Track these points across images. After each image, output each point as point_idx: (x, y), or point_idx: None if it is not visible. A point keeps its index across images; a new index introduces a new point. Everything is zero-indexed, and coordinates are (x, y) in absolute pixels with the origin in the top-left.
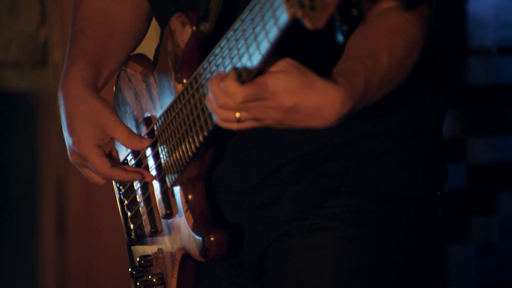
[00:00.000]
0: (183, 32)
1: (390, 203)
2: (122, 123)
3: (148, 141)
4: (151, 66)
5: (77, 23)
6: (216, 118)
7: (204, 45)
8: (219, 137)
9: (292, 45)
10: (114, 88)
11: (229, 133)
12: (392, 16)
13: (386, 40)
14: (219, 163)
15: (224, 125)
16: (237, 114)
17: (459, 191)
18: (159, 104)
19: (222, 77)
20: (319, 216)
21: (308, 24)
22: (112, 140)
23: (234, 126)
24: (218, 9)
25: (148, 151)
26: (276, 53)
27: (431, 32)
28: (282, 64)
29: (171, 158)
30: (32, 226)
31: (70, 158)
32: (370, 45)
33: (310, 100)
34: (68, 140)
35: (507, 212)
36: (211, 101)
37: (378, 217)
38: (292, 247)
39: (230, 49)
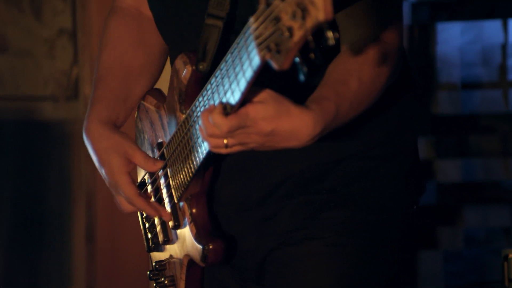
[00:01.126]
0: (185, 70)
1: (373, 215)
2: (139, 148)
3: (160, 163)
4: (164, 99)
5: (98, 72)
6: (207, 145)
7: (204, 81)
8: (218, 158)
9: (272, 76)
10: (135, 118)
11: (226, 155)
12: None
13: (356, 68)
14: (223, 181)
15: (214, 150)
16: (225, 141)
17: (430, 206)
18: (168, 132)
19: (211, 110)
20: (312, 227)
21: (275, 65)
22: (135, 165)
23: (223, 151)
24: (214, 51)
25: (160, 171)
26: (258, 82)
27: (400, 61)
28: (262, 95)
29: (177, 177)
30: (65, 236)
31: (110, 188)
32: (341, 73)
33: (285, 125)
34: (101, 173)
35: (470, 224)
36: (202, 131)
37: (363, 227)
38: (290, 253)
39: (217, 86)
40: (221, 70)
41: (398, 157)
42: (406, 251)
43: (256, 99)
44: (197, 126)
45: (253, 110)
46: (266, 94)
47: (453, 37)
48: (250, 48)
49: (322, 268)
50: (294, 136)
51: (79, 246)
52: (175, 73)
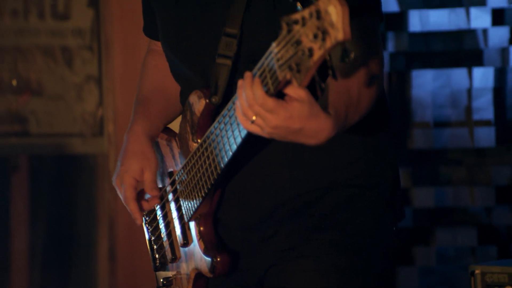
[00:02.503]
0: (199, 104)
1: (358, 237)
2: (154, 171)
3: (157, 192)
4: (174, 134)
5: (141, 94)
6: (238, 112)
7: (215, 114)
8: (225, 182)
9: None
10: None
11: (233, 179)
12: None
13: (354, 79)
14: (225, 205)
15: (241, 118)
16: (253, 117)
17: (406, 228)
18: (179, 161)
19: (253, 83)
20: (306, 247)
21: (295, 83)
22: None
23: (247, 124)
24: (225, 86)
25: (171, 196)
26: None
27: (382, 87)
28: (300, 94)
29: (188, 199)
30: (91, 254)
31: (114, 181)
32: (344, 82)
33: (312, 126)
34: (118, 168)
35: (442, 243)
36: (241, 97)
37: (351, 247)
38: (286, 270)
39: (230, 116)
40: (234, 102)
41: (379, 187)
42: (388, 268)
43: (294, 96)
44: (208, 154)
45: (291, 105)
46: (303, 94)
47: (425, 83)
48: (271, 71)
49: (315, 282)
50: (315, 135)
51: (102, 263)
52: (188, 107)
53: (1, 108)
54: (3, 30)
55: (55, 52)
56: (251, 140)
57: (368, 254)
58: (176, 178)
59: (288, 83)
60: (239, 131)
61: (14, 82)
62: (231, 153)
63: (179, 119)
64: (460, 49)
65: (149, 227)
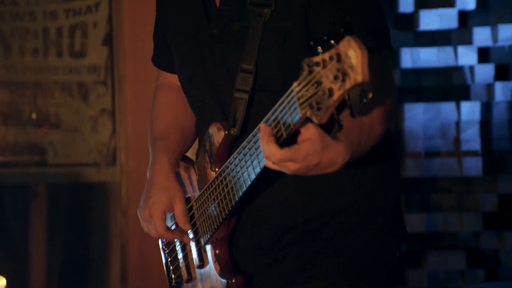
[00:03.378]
0: (218, 135)
1: (364, 260)
2: (184, 203)
3: (189, 226)
4: (192, 162)
5: (158, 129)
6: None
7: (232, 144)
8: (241, 208)
9: None
10: None
11: (247, 204)
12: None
13: (367, 109)
14: (240, 229)
15: (266, 161)
16: (274, 166)
17: (400, 251)
18: (197, 188)
19: (267, 138)
20: (315, 269)
21: (314, 120)
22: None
23: (271, 165)
24: (242, 118)
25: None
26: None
27: (394, 119)
28: (310, 131)
29: (205, 224)
30: (104, 276)
31: (141, 213)
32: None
33: (327, 156)
34: (146, 201)
35: (433, 266)
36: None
37: (356, 270)
38: None
39: (250, 148)
40: (254, 136)
41: (383, 211)
42: None
43: (305, 135)
44: (226, 182)
45: (304, 147)
46: (313, 131)
47: (417, 115)
48: (292, 108)
49: None
50: (332, 164)
51: (114, 285)
52: (208, 137)
53: (21, 139)
54: (25, 68)
55: (72, 88)
56: (267, 170)
57: (373, 278)
58: (194, 204)
59: (306, 120)
60: (258, 162)
61: (34, 115)
62: (249, 183)
63: (193, 148)
64: (449, 84)
65: (166, 249)
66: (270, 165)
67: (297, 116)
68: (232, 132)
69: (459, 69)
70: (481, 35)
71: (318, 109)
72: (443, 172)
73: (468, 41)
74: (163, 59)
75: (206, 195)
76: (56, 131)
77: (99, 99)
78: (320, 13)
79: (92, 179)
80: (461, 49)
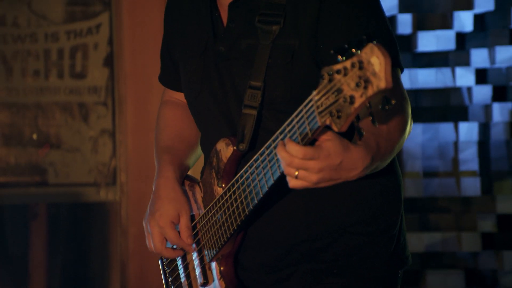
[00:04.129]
0: (227, 150)
1: (367, 281)
2: (189, 217)
3: (191, 241)
4: (196, 180)
5: (164, 142)
6: (285, 172)
7: (240, 160)
8: (248, 225)
9: None
10: None
11: (253, 225)
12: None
13: (384, 117)
14: (245, 246)
15: (289, 179)
16: (296, 172)
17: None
18: (202, 205)
19: (284, 144)
20: None
21: (334, 128)
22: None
23: (293, 182)
24: (251, 133)
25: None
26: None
27: (406, 133)
28: (328, 134)
29: (212, 241)
30: None
31: (147, 225)
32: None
33: (349, 157)
34: (153, 213)
35: (432, 286)
36: (282, 162)
37: None
38: None
39: (263, 161)
40: (274, 141)
41: (387, 233)
42: None
43: (324, 137)
44: (235, 197)
45: (325, 144)
46: (332, 133)
47: (415, 136)
48: (310, 117)
49: None
50: (354, 167)
51: None
52: (215, 153)
53: (22, 160)
54: (26, 89)
55: (73, 108)
56: (279, 184)
57: None
58: (199, 221)
59: (324, 129)
60: (272, 174)
61: (35, 136)
62: (261, 196)
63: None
64: (447, 105)
65: (167, 268)
66: (291, 172)
67: (316, 124)
68: (241, 147)
69: (457, 90)
70: (479, 57)
71: (339, 117)
72: (441, 192)
73: (465, 62)
74: (169, 77)
75: (213, 211)
76: (56, 152)
77: (99, 119)
78: (332, 30)
79: (92, 199)
80: (459, 70)
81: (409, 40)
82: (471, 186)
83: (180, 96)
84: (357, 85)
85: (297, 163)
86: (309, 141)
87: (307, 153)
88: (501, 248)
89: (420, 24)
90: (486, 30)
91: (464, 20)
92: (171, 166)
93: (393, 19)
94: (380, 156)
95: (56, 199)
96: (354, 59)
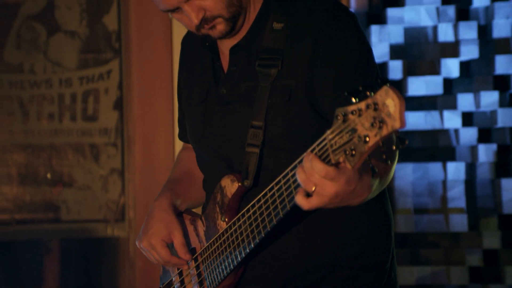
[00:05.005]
0: (232, 186)
1: None
2: (182, 234)
3: (190, 256)
4: (197, 215)
5: (173, 175)
6: (301, 184)
7: (244, 196)
8: (248, 259)
9: None
10: None
11: (253, 259)
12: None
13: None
14: (242, 282)
15: (298, 199)
16: (313, 187)
17: None
18: (204, 238)
19: (312, 158)
20: None
21: (348, 165)
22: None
23: (305, 201)
24: (254, 170)
25: (193, 270)
26: None
27: (388, 179)
28: (343, 165)
29: (214, 272)
30: None
31: (140, 243)
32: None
33: (361, 185)
34: (145, 231)
35: None
36: (303, 173)
37: None
38: None
39: (272, 196)
40: (284, 177)
41: (376, 269)
42: None
43: (343, 165)
44: (241, 231)
45: (346, 169)
46: (344, 167)
47: (406, 175)
48: (324, 156)
49: None
50: (362, 194)
51: None
52: (219, 189)
53: (37, 198)
54: (41, 131)
55: (85, 149)
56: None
57: None
58: (201, 253)
59: (337, 164)
60: (280, 210)
61: (49, 175)
62: (268, 229)
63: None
64: (436, 146)
65: None
66: (310, 186)
67: (329, 162)
68: (246, 183)
69: (445, 132)
70: (465, 101)
71: (352, 155)
72: (431, 227)
73: (453, 106)
74: (185, 134)
75: (216, 244)
76: (69, 190)
77: (109, 159)
78: (324, 74)
79: (102, 235)
80: (446, 114)
81: (400, 85)
82: (459, 223)
83: None
84: (372, 125)
85: (317, 179)
86: None
87: (329, 173)
88: (488, 281)
89: (410, 70)
90: (472, 77)
91: (451, 67)
92: (169, 192)
93: (385, 65)
94: (378, 187)
95: (68, 235)
96: (369, 101)
